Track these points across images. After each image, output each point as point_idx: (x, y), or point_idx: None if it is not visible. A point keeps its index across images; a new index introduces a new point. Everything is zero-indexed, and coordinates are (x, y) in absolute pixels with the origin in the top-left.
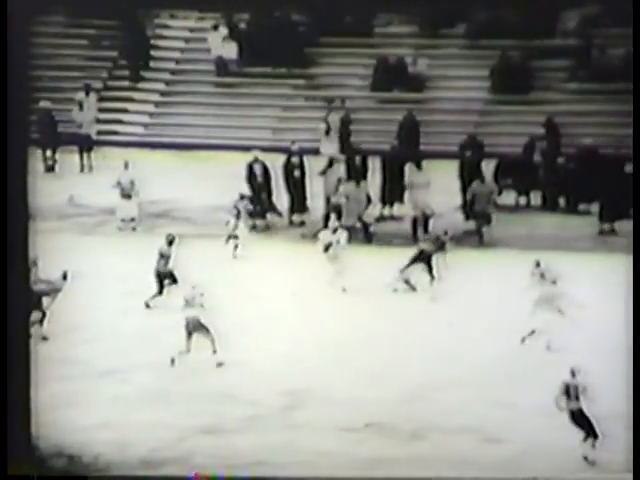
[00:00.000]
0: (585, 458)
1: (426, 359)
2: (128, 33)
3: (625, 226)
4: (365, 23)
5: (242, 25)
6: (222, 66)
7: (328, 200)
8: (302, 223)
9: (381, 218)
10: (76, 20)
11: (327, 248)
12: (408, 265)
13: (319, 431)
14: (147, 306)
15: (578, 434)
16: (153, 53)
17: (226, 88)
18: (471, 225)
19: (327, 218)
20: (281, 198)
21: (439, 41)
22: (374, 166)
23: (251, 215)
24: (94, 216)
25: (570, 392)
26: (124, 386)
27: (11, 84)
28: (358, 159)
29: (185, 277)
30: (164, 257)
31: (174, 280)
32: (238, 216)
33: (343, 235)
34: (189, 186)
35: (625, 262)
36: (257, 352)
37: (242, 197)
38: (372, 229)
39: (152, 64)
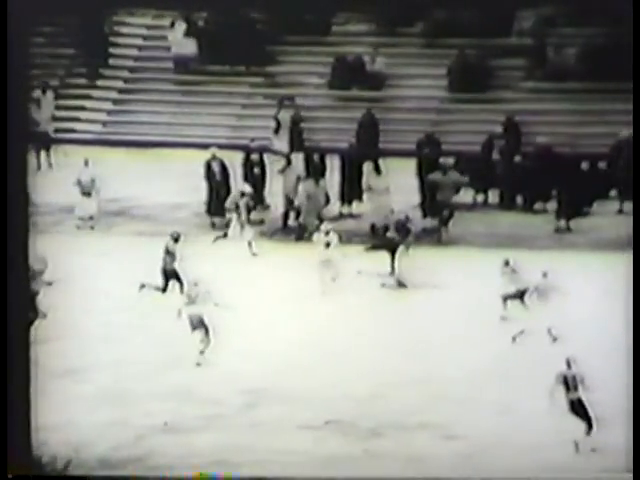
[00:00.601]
0: (576, 445)
1: (385, 357)
2: (86, 31)
3: (581, 224)
4: (323, 22)
5: (201, 23)
6: (181, 64)
7: (287, 198)
8: (261, 221)
9: (340, 216)
10: (33, 17)
11: (328, 245)
12: (372, 247)
13: (279, 429)
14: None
15: (535, 432)
16: (111, 50)
17: (185, 86)
18: (429, 223)
19: (286, 216)
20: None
21: (397, 40)
22: (333, 164)
23: (210, 213)
24: (52, 215)
25: (569, 382)
26: (83, 386)
27: (11, 84)
28: (317, 157)
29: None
30: (170, 254)
31: (178, 279)
32: (238, 213)
33: (334, 239)
34: (148, 184)
35: (581, 259)
36: (217, 351)
37: (243, 194)
38: (331, 227)
39: (110, 62)
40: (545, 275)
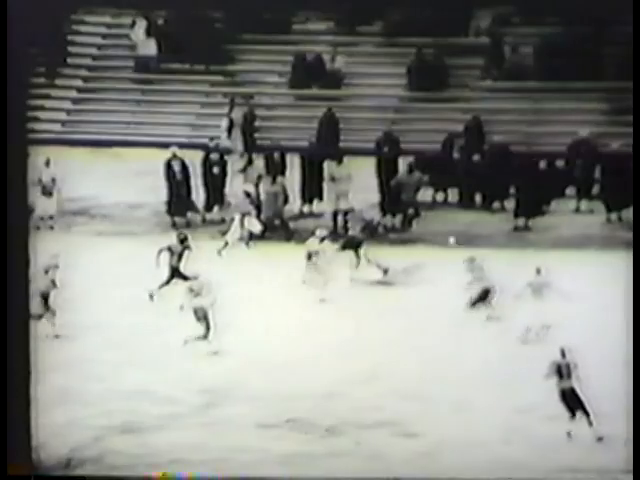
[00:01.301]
0: (568, 434)
1: (344, 355)
2: (44, 29)
3: (539, 222)
4: (283, 20)
5: (160, 22)
6: (140, 62)
7: (248, 197)
8: (222, 220)
9: (300, 215)
10: None
11: (310, 256)
12: (342, 247)
13: (237, 428)
14: (151, 297)
15: (492, 429)
16: (70, 49)
17: (144, 85)
18: (389, 221)
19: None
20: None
21: (356, 39)
22: (293, 163)
23: (170, 212)
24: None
25: (562, 371)
26: (38, 387)
27: (11, 84)
28: (277, 156)
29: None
30: (174, 254)
31: (183, 277)
32: (242, 215)
33: (330, 247)
34: (108, 183)
35: (539, 257)
36: (175, 351)
37: (248, 195)
38: (292, 226)
39: (69, 61)
40: (539, 272)
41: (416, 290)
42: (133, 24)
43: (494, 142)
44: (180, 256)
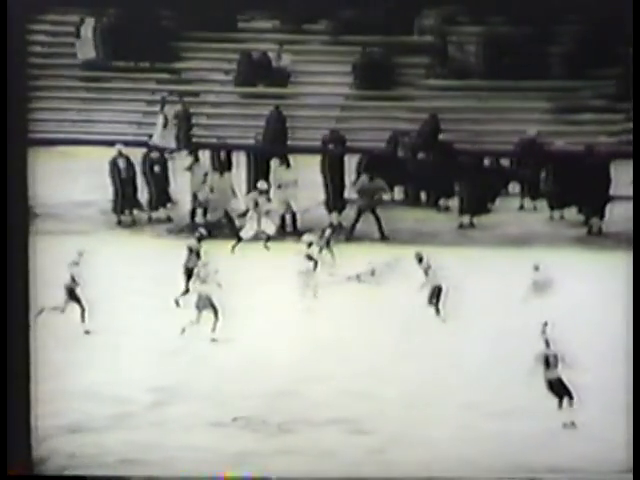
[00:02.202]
0: (564, 425)
1: (294, 353)
2: None
3: (484, 220)
4: (229, 18)
5: (107, 19)
6: (87, 60)
7: (194, 195)
8: (168, 219)
9: (247, 213)
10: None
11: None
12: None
13: (188, 427)
14: (177, 304)
15: (444, 425)
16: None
17: (90, 82)
18: (334, 219)
19: (193, 213)
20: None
21: (302, 37)
22: (239, 161)
23: (116, 211)
24: None
25: (550, 361)
26: None
27: (11, 84)
28: (223, 154)
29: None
30: (192, 253)
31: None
32: (257, 212)
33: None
34: (53, 182)
35: (485, 254)
36: (125, 350)
37: (261, 192)
38: (238, 223)
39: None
40: (537, 268)
41: (368, 288)
42: (81, 22)
43: (440, 140)
44: (198, 256)
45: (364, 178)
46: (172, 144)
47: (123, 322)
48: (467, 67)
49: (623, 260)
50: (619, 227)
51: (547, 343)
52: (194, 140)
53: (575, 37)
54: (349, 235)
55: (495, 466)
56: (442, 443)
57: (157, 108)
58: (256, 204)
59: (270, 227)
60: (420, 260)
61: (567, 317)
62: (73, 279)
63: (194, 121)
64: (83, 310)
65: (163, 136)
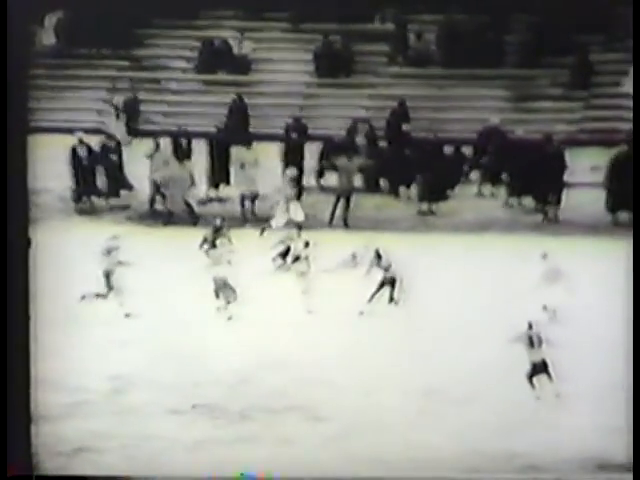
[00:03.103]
0: (537, 398)
1: (253, 340)
2: None
3: (443, 207)
4: (191, 5)
5: (67, 6)
6: (47, 47)
7: (154, 182)
8: (127, 206)
9: (208, 200)
10: None
11: (297, 258)
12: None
13: (146, 415)
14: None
15: (403, 412)
16: None
17: (50, 70)
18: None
19: (153, 201)
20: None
21: (264, 24)
22: (200, 148)
23: (76, 199)
24: None
25: (533, 340)
26: None
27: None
28: (184, 141)
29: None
30: (207, 242)
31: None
32: (286, 199)
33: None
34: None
35: (445, 240)
36: (83, 338)
37: (291, 179)
38: (197, 210)
39: None
40: (545, 257)
41: (326, 274)
42: (46, 10)
43: (401, 128)
44: (213, 245)
45: (343, 158)
46: (122, 132)
47: (81, 310)
48: (427, 55)
49: (579, 246)
50: (575, 214)
51: (530, 325)
52: (156, 128)
53: (531, 26)
54: (329, 222)
55: (456, 452)
56: (401, 429)
57: (118, 95)
58: (284, 191)
59: (299, 215)
60: (379, 256)
61: (529, 302)
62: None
63: (156, 109)
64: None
65: (114, 124)
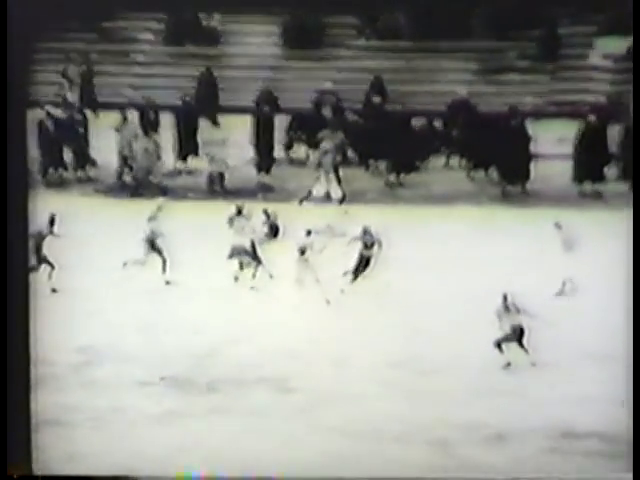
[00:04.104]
0: (508, 366)
1: (221, 312)
2: None
3: (411, 178)
4: None
5: None
6: (15, 21)
7: (122, 155)
8: (91, 178)
9: (176, 172)
10: None
11: (303, 252)
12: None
13: (115, 387)
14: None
15: (370, 383)
16: None
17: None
18: (265, 179)
19: (121, 173)
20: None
21: None
22: (168, 121)
23: (42, 173)
24: None
25: (503, 310)
26: None
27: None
28: (151, 113)
29: None
30: (232, 223)
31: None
32: (325, 171)
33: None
34: None
35: (413, 212)
36: (51, 309)
37: (326, 152)
38: (165, 183)
39: None
40: (559, 226)
41: (295, 245)
42: None
43: (371, 100)
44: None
45: (326, 132)
46: (77, 103)
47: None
48: (396, 28)
49: (545, 217)
50: (542, 185)
51: (504, 297)
52: (123, 100)
53: None
54: (325, 199)
55: (423, 422)
56: (369, 400)
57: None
58: (320, 164)
59: (337, 191)
60: (365, 232)
61: (497, 272)
62: None
63: (124, 81)
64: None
65: (70, 96)
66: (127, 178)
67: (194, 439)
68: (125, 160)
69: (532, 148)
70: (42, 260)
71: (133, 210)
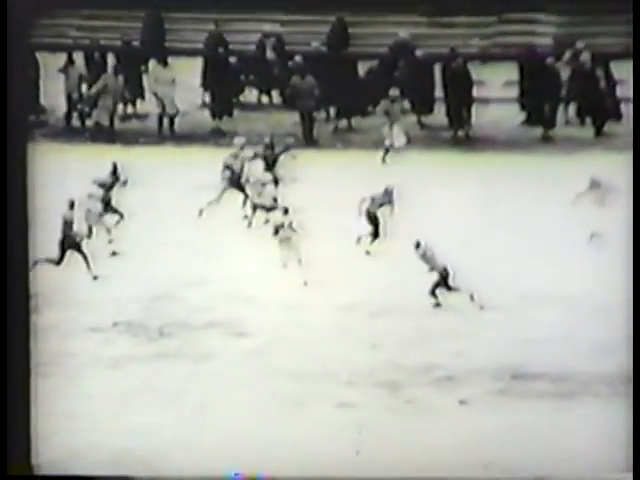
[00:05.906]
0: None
1: (174, 257)
2: None
3: (359, 122)
4: None
5: None
6: None
7: (69, 98)
8: (43, 123)
9: (125, 117)
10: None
11: (277, 231)
12: None
13: (66, 333)
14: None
15: (324, 328)
16: None
17: None
18: (220, 125)
19: (69, 117)
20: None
21: None
22: (115, 63)
23: None
24: None
25: (427, 258)
26: None
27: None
28: (97, 55)
29: None
30: (262, 186)
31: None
32: (391, 120)
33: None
34: None
35: (362, 157)
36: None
37: (393, 100)
38: (115, 127)
39: None
40: (595, 183)
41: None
42: None
43: (314, 46)
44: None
45: (295, 78)
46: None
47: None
48: None
49: (490, 162)
50: (489, 130)
51: (417, 244)
52: (69, 42)
53: None
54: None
55: (372, 364)
56: (320, 344)
57: None
58: (387, 113)
59: (401, 139)
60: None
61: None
62: None
63: (69, 22)
64: None
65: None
66: (76, 122)
67: (145, 382)
68: (74, 104)
69: (475, 92)
70: None
71: (85, 154)
